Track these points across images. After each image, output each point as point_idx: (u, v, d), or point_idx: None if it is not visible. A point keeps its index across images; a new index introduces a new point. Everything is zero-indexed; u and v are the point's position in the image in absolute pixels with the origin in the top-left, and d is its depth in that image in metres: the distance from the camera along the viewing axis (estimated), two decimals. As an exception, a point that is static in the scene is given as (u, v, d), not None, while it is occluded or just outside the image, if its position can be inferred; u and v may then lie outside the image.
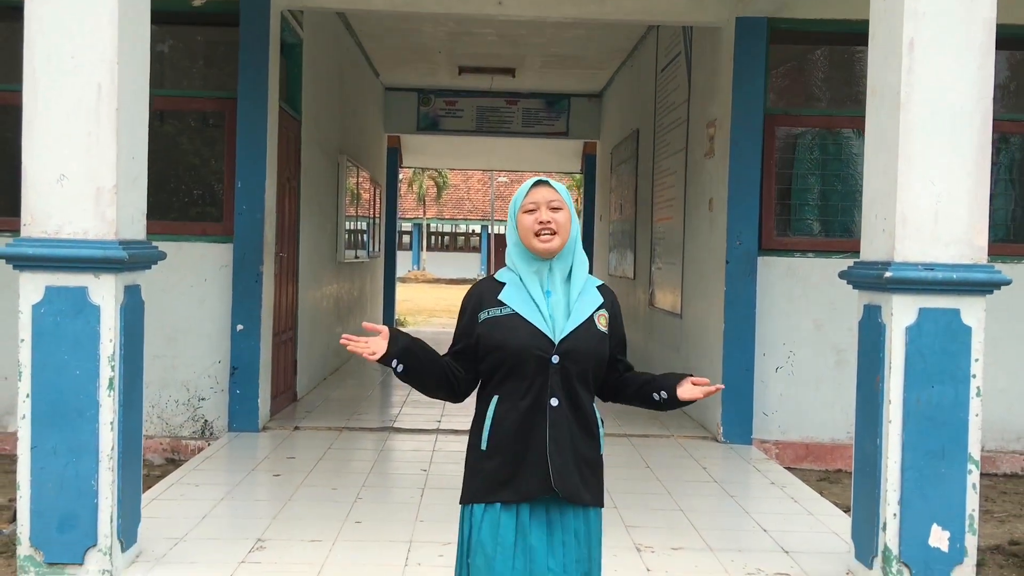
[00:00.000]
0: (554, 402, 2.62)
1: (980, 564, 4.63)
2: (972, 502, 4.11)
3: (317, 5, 7.68)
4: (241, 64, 7.00)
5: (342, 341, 2.64)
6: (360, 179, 12.24)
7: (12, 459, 4.08)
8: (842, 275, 4.49)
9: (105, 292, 3.97)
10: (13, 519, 4.45)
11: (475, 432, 2.70)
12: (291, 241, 8.19)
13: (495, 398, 2.66)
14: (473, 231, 53.82)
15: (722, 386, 2.68)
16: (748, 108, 7.06)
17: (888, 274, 4.03)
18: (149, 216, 4.58)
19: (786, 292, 7.16)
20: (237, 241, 6.97)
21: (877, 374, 4.16)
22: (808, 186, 7.35)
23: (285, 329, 8.02)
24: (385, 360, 2.63)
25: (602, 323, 2.70)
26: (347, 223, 11.06)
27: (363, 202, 12.70)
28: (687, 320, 8.44)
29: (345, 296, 11.39)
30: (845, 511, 5.33)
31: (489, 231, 47.46)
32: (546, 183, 2.69)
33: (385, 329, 2.65)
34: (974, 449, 4.10)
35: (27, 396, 3.97)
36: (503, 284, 2.70)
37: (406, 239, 50.28)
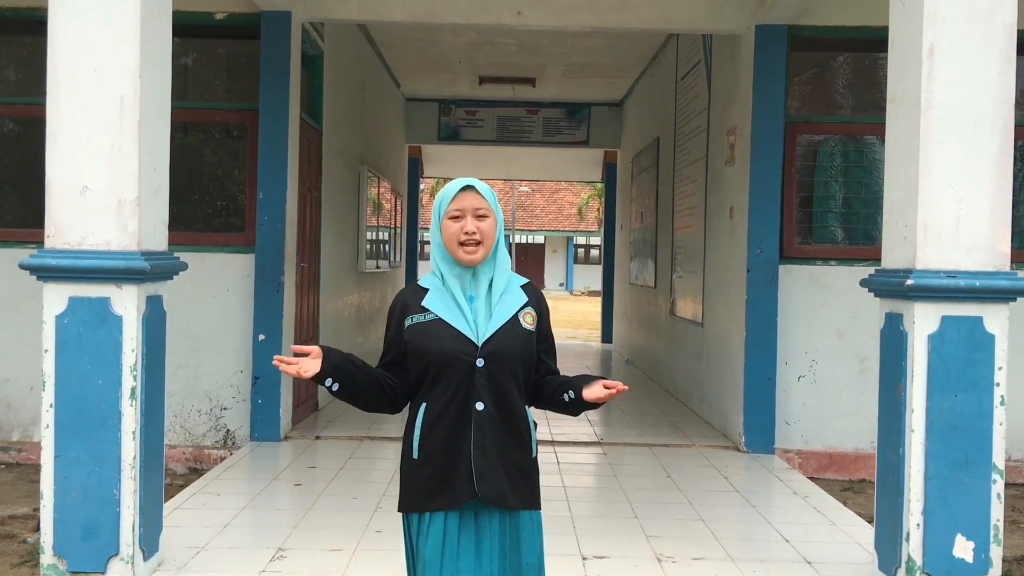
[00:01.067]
0: (479, 406, 2.60)
1: (1006, 575, 4.57)
2: (997, 512, 4.06)
3: (337, 17, 7.73)
4: (262, 76, 7.07)
5: (274, 362, 2.60)
6: (381, 189, 12.29)
7: (38, 468, 4.13)
8: (863, 283, 4.45)
9: (127, 302, 4.00)
10: (37, 528, 4.49)
11: (407, 440, 2.69)
12: (312, 251, 8.23)
13: (423, 405, 2.66)
14: (495, 240, 53.80)
15: (626, 388, 2.60)
16: (769, 115, 7.04)
17: (910, 282, 4.00)
18: (172, 227, 4.62)
19: (808, 300, 7.12)
20: (259, 251, 7.02)
21: (899, 383, 4.13)
22: (830, 193, 7.31)
23: (307, 339, 8.05)
24: (318, 379, 2.61)
25: (527, 321, 2.67)
26: (368, 233, 11.10)
27: (384, 212, 12.75)
28: (708, 329, 8.40)
29: (366, 306, 11.43)
30: (868, 521, 5.28)
31: (511, 240, 47.51)
32: (472, 188, 2.65)
33: (316, 349, 2.63)
34: (998, 458, 4.05)
35: (50, 406, 4.00)
36: (427, 290, 2.69)
37: (428, 249, 50.41)
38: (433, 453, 2.63)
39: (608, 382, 2.64)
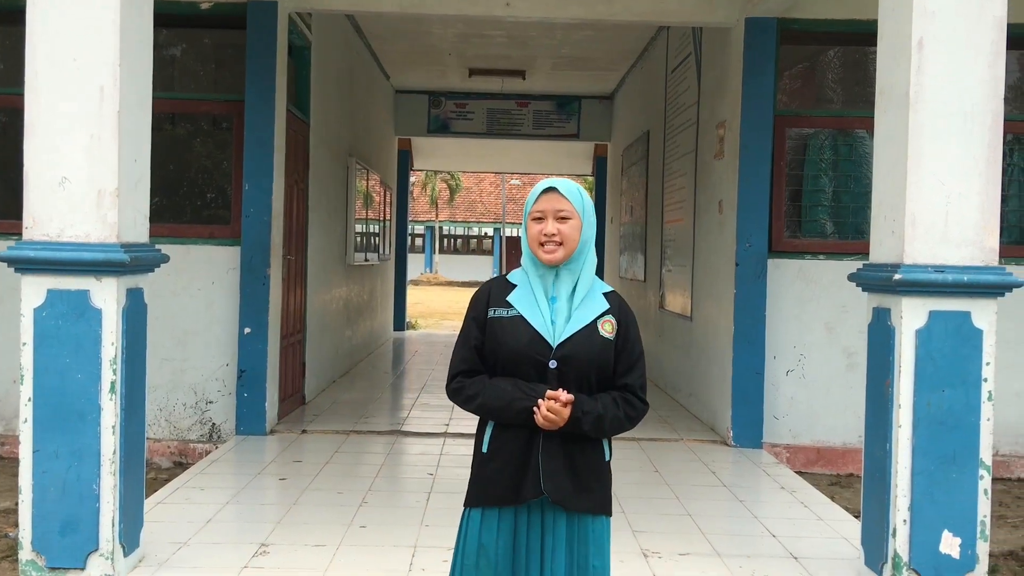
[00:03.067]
0: None
1: (993, 571, 4.57)
2: (984, 508, 4.04)
3: (325, 7, 7.67)
4: (248, 67, 7.00)
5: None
6: (371, 181, 12.23)
7: (18, 463, 4.07)
8: (851, 277, 4.43)
9: (107, 295, 3.95)
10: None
11: (478, 435, 2.71)
12: (300, 244, 8.18)
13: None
14: (485, 234, 53.82)
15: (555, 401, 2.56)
16: (758, 109, 7.01)
17: (897, 276, 3.97)
18: (156, 219, 4.57)
19: (797, 295, 7.10)
20: (244, 244, 6.96)
21: (887, 378, 4.10)
22: (819, 187, 7.28)
23: (293, 332, 8.01)
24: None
25: (606, 329, 2.64)
26: (357, 226, 11.04)
27: (373, 205, 12.69)
28: (697, 323, 8.38)
29: (355, 299, 11.37)
30: (856, 516, 5.26)
31: (501, 234, 47.46)
32: (555, 190, 2.64)
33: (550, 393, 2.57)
34: (985, 454, 4.04)
35: (29, 400, 3.95)
36: (514, 285, 2.69)
37: (419, 242, 50.33)
38: (502, 449, 2.63)
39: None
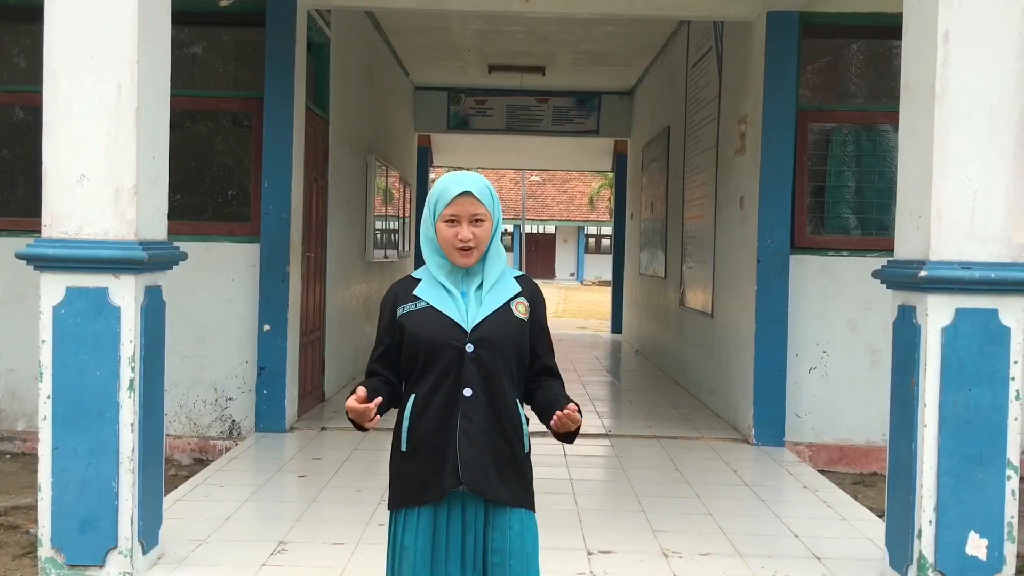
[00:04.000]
0: (467, 392, 2.54)
1: (1019, 572, 4.48)
2: (1011, 509, 3.97)
3: (344, 4, 7.65)
4: (267, 64, 6.99)
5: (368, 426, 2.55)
6: (390, 178, 12.22)
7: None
8: (875, 274, 4.36)
9: (125, 293, 3.95)
10: (37, 520, 4.45)
11: (395, 434, 2.64)
12: (319, 241, 8.17)
13: (412, 396, 2.60)
14: (505, 230, 53.81)
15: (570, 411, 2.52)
16: (780, 104, 6.93)
17: (923, 273, 3.90)
18: (176, 216, 4.56)
19: (819, 291, 7.02)
20: (264, 241, 6.96)
21: (912, 376, 4.04)
22: (842, 183, 7.20)
23: (313, 329, 8.01)
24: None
25: (520, 310, 2.61)
26: (376, 222, 11.03)
27: (393, 201, 12.69)
28: (718, 320, 8.31)
29: (375, 296, 11.37)
30: (879, 516, 5.19)
31: (521, 230, 47.42)
32: (470, 193, 2.55)
33: (361, 392, 2.53)
34: (1013, 454, 3.96)
35: (48, 397, 3.96)
36: (419, 280, 2.66)
37: (439, 239, 50.28)
38: (421, 443, 2.58)
39: (562, 413, 2.52)
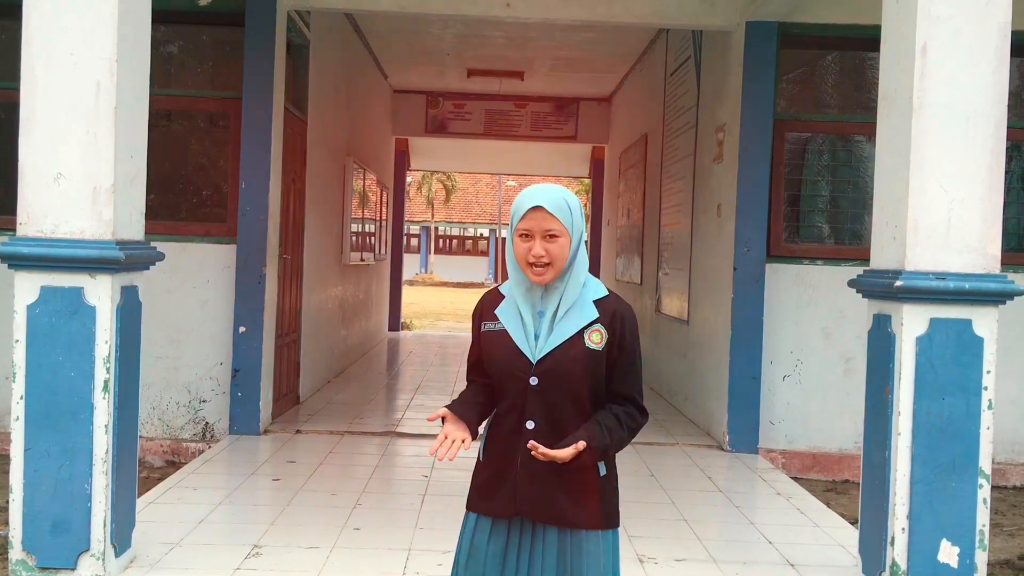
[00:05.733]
0: (530, 425, 2.51)
1: (990, 580, 4.54)
2: (983, 517, 4.02)
3: (324, 6, 7.63)
4: (246, 64, 6.96)
5: (439, 456, 2.50)
6: (367, 181, 12.19)
7: (9, 460, 4.03)
8: (851, 283, 4.40)
9: (101, 293, 3.91)
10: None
11: (481, 439, 2.67)
12: (296, 243, 8.13)
13: (494, 411, 2.63)
14: (481, 235, 53.78)
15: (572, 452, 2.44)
16: (757, 113, 6.99)
17: (899, 283, 3.95)
18: (152, 216, 4.52)
19: (794, 299, 7.08)
20: (240, 242, 6.92)
21: (887, 385, 4.08)
22: (817, 192, 7.26)
23: (288, 331, 7.97)
24: (474, 437, 2.57)
25: (594, 340, 2.49)
26: (353, 225, 11.00)
27: (370, 204, 12.65)
28: (694, 327, 8.35)
29: (351, 298, 11.33)
30: (852, 523, 5.24)
31: (497, 235, 47.42)
32: (542, 208, 2.46)
33: (447, 412, 2.54)
34: (985, 463, 4.01)
35: (21, 397, 3.91)
36: (503, 297, 2.61)
37: (414, 242, 50.24)
38: (491, 459, 2.61)
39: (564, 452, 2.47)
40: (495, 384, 2.60)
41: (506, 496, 2.54)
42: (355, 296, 11.70)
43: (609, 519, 2.60)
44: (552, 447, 2.46)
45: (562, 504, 2.53)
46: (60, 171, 3.90)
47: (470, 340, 2.71)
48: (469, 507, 2.65)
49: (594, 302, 2.54)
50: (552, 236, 2.47)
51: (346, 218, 10.47)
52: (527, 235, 2.48)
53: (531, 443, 2.47)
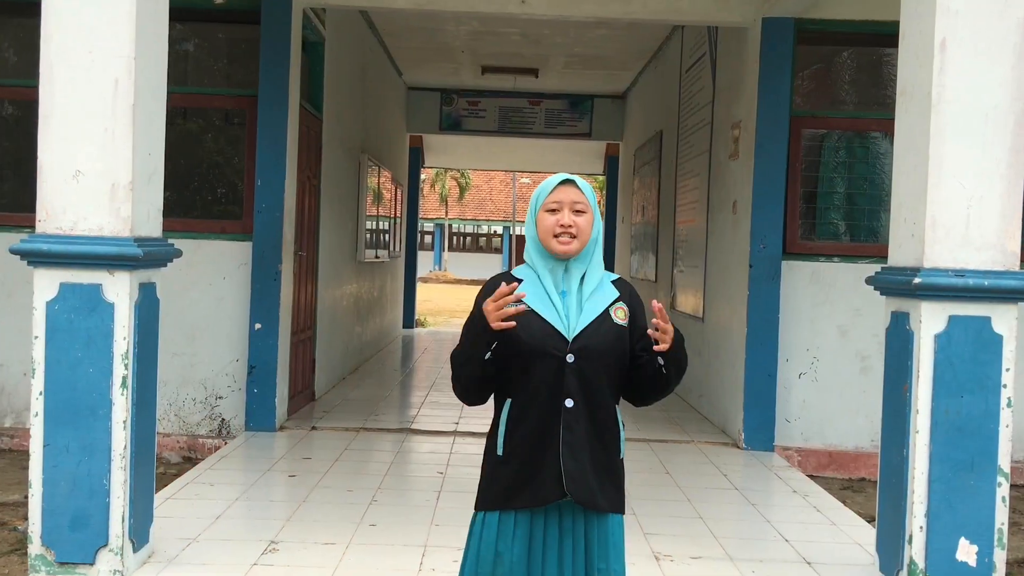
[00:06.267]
0: (569, 403, 2.53)
1: (1008, 579, 4.51)
2: (1001, 515, 4.00)
3: (339, 3, 7.64)
4: (262, 62, 6.98)
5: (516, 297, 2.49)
6: (382, 178, 12.21)
7: (27, 455, 4.06)
8: (869, 281, 4.38)
9: (119, 289, 3.93)
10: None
11: (491, 437, 2.63)
12: (311, 240, 8.16)
13: (508, 401, 2.59)
14: (495, 232, 53.85)
15: (659, 307, 2.50)
16: (774, 110, 6.96)
17: (917, 280, 3.93)
18: (169, 213, 4.54)
19: (810, 297, 7.05)
20: (256, 239, 6.94)
21: (905, 383, 4.06)
22: (834, 189, 7.23)
23: (304, 328, 7.99)
24: (497, 336, 2.52)
25: (619, 316, 2.59)
26: (368, 222, 11.02)
27: (384, 201, 12.67)
28: (709, 324, 8.33)
29: (365, 295, 11.36)
30: (869, 521, 5.22)
31: (511, 232, 47.43)
32: (572, 182, 2.61)
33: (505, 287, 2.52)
34: (1004, 461, 3.99)
35: (40, 393, 3.93)
36: (520, 280, 2.62)
37: (428, 239, 50.33)
38: (518, 450, 2.56)
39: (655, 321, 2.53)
40: (515, 366, 2.55)
41: (550, 479, 2.53)
42: (370, 293, 11.72)
43: (623, 503, 2.67)
44: (589, 426, 2.54)
45: (595, 486, 2.56)
46: (79, 168, 3.92)
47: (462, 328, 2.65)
48: (488, 506, 2.60)
49: (611, 283, 2.66)
50: (579, 211, 2.58)
51: (361, 215, 10.49)
52: (555, 209, 2.58)
53: (656, 304, 2.49)
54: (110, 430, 3.93)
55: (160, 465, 6.56)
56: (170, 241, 4.37)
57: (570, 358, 2.53)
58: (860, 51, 7.34)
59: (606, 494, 2.59)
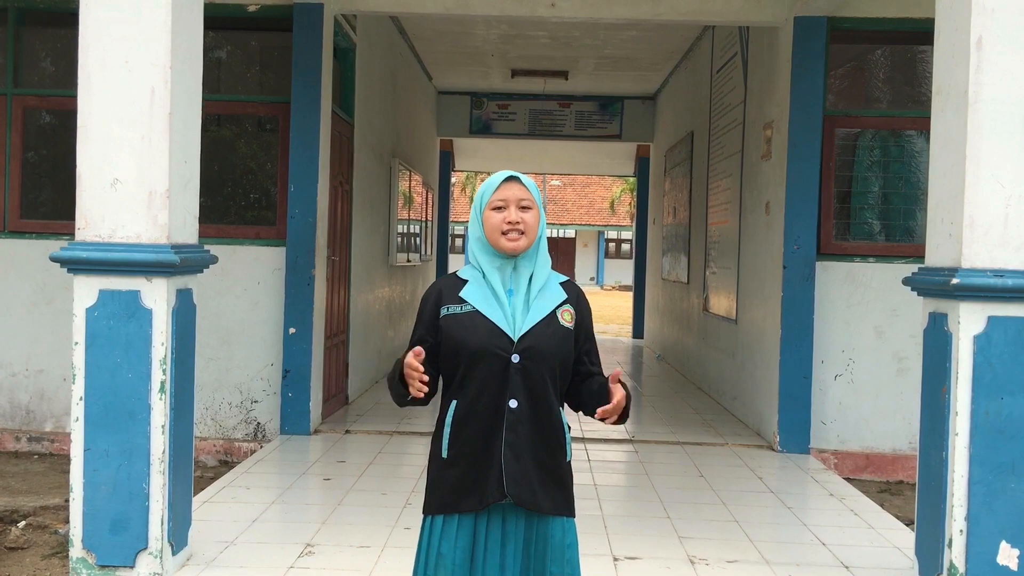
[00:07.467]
0: (513, 404, 2.52)
1: (1051, 583, 4.43)
2: (1044, 519, 3.93)
3: (370, 9, 7.68)
4: (294, 69, 7.04)
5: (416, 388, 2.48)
6: (412, 182, 12.26)
7: (69, 459, 4.11)
8: (906, 281, 4.33)
9: (157, 296, 3.98)
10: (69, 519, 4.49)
11: (435, 440, 2.62)
12: (343, 244, 8.21)
13: (453, 403, 2.58)
14: (526, 234, 53.73)
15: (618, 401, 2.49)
16: (807, 109, 6.90)
17: (955, 281, 3.87)
18: (203, 220, 4.59)
19: (845, 298, 6.98)
20: (289, 244, 7.00)
21: (943, 385, 4.00)
22: (868, 189, 7.16)
23: (337, 332, 8.04)
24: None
25: (565, 319, 2.59)
26: (399, 226, 11.07)
27: (415, 205, 12.72)
28: (743, 326, 8.28)
29: (397, 299, 11.41)
30: (907, 524, 5.16)
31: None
32: (516, 179, 2.61)
33: (419, 350, 2.48)
34: (1046, 464, 3.92)
35: (80, 399, 3.99)
36: (465, 281, 2.62)
37: (459, 242, 50.38)
38: (463, 452, 2.55)
39: (609, 407, 2.50)
40: (462, 368, 2.54)
41: (493, 480, 2.52)
42: (401, 297, 11.77)
43: (571, 506, 2.64)
44: (532, 428, 2.52)
45: (538, 488, 2.54)
46: (116, 176, 3.97)
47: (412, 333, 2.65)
48: (432, 510, 2.59)
49: (559, 284, 2.66)
50: (525, 207, 2.59)
51: (392, 219, 10.54)
52: (501, 207, 2.58)
53: (615, 374, 2.47)
54: (149, 434, 3.98)
55: (197, 468, 6.62)
56: (206, 247, 4.42)
57: (515, 358, 2.52)
58: (894, 49, 7.27)
59: (550, 496, 2.56)
